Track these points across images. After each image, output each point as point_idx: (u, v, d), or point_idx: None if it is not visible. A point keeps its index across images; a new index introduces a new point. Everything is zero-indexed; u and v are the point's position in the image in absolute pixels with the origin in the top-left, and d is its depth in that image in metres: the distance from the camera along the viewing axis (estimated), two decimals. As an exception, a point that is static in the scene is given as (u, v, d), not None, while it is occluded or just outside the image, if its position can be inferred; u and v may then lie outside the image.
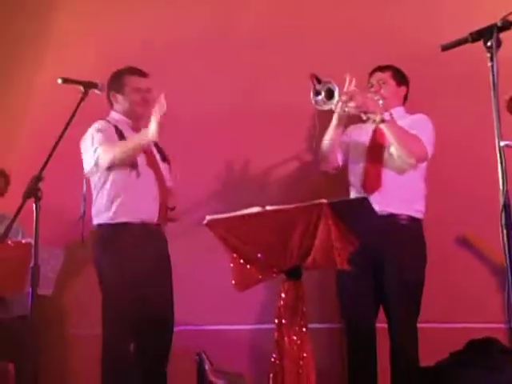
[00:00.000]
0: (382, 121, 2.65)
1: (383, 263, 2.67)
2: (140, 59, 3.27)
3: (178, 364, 2.83)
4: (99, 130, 2.76)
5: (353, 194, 2.83)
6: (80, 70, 3.24)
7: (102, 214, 2.76)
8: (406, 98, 2.93)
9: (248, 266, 2.41)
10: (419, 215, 2.75)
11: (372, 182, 2.74)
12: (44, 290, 3.15)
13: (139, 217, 2.74)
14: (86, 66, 3.39)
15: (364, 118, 2.75)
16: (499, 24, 1.77)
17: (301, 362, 2.27)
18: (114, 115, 2.89)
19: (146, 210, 2.77)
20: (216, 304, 3.04)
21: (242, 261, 2.41)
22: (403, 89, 2.91)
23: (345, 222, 2.26)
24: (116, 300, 2.68)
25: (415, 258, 2.70)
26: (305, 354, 2.29)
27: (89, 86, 2.48)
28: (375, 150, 2.79)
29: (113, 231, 2.73)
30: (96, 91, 2.50)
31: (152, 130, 2.56)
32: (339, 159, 2.88)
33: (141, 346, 2.75)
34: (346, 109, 2.65)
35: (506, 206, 1.69)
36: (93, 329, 2.76)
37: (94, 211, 2.80)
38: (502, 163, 1.69)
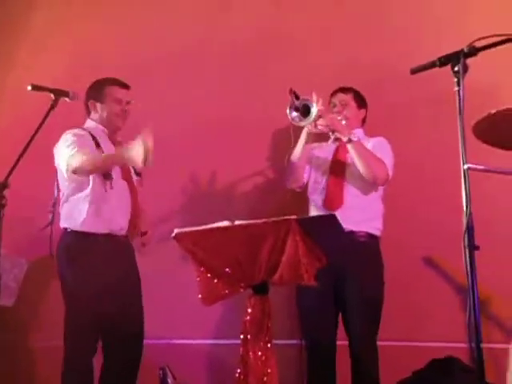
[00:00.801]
0: (350, 141, 2.69)
1: (344, 279, 2.70)
2: (115, 67, 3.27)
3: (141, 378, 2.78)
4: (75, 135, 2.73)
5: (313, 212, 2.84)
6: (54, 75, 3.22)
7: (70, 219, 2.72)
8: (364, 120, 2.99)
9: (215, 281, 2.41)
10: (377, 233, 2.80)
11: (334, 200, 2.78)
12: (5, 300, 3.09)
13: (108, 227, 2.71)
14: (59, 71, 3.36)
15: (332, 137, 2.79)
16: (466, 50, 1.83)
17: (265, 378, 2.26)
18: (90, 123, 2.86)
19: (117, 222, 2.75)
20: (181, 318, 3.01)
21: (209, 275, 2.40)
22: (363, 111, 2.98)
23: (312, 239, 2.28)
24: (79, 311, 2.63)
25: (374, 274, 2.74)
26: (269, 370, 2.29)
27: (59, 94, 2.46)
28: (337, 169, 2.83)
29: (79, 239, 2.69)
30: (67, 99, 2.48)
31: (138, 157, 2.45)
32: (305, 177, 2.91)
33: (108, 360, 2.70)
34: (318, 126, 2.69)
35: (468, 228, 1.73)
36: (57, 341, 2.69)
37: (63, 215, 2.75)
38: (465, 186, 1.73)
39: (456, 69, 1.83)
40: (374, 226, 2.79)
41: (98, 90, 2.85)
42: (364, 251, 2.72)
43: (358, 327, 2.69)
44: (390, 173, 2.77)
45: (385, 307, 2.73)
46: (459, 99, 1.81)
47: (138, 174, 2.90)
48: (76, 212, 2.70)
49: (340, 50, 3.30)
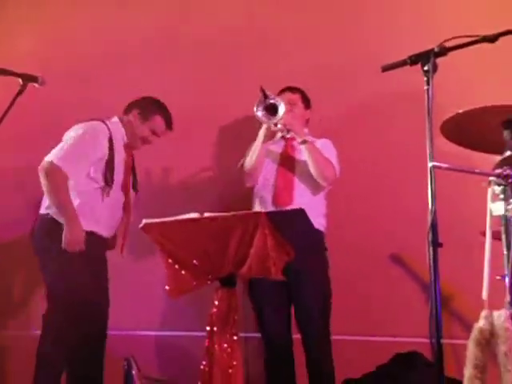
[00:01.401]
0: (305, 142, 2.72)
1: (295, 272, 2.66)
2: (87, 54, 3.22)
3: (106, 369, 2.77)
4: (87, 133, 2.74)
5: (257, 208, 2.83)
6: (23, 60, 3.15)
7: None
8: (308, 121, 3.00)
9: (183, 272, 2.40)
10: (322, 228, 2.83)
11: (283, 198, 2.79)
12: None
13: (92, 229, 2.72)
14: (28, 56, 3.30)
15: (287, 136, 2.83)
16: (436, 49, 1.84)
17: (230, 370, 2.27)
18: (116, 122, 2.88)
19: (103, 229, 2.78)
20: (147, 309, 3.00)
21: (176, 266, 2.39)
22: (308, 112, 2.99)
23: (281, 232, 2.29)
24: (66, 291, 2.62)
25: (321, 268, 2.77)
26: (234, 362, 2.29)
27: (28, 79, 2.40)
28: (286, 166, 2.85)
29: (60, 226, 2.66)
30: (35, 85, 2.43)
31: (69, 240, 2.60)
32: (260, 173, 2.89)
33: (76, 349, 2.68)
34: (278, 126, 2.71)
35: (433, 225, 1.76)
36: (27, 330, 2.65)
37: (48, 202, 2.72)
38: (431, 183, 1.75)
39: (426, 68, 1.85)
40: (320, 222, 2.81)
41: (149, 109, 2.91)
42: (311, 246, 2.71)
43: (309, 320, 2.70)
44: (337, 174, 2.82)
45: (350, 302, 2.76)
46: (428, 98, 1.83)
47: (135, 188, 2.95)
48: None
49: (313, 48, 3.30)
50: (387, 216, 3.09)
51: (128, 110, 2.93)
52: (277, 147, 2.92)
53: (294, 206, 2.71)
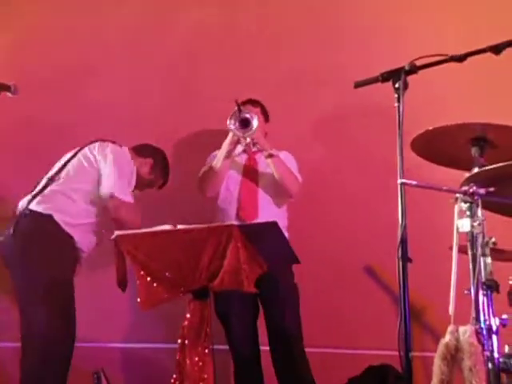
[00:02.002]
0: (271, 155, 2.74)
1: (262, 285, 2.69)
2: (57, 62, 3.20)
3: (75, 382, 2.73)
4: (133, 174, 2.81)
5: (222, 220, 2.80)
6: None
7: (62, 213, 2.65)
8: (266, 135, 3.00)
9: (155, 284, 2.38)
10: None
11: (249, 211, 2.80)
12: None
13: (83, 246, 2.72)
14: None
15: (253, 149, 2.84)
16: (407, 68, 1.88)
17: (201, 384, 2.26)
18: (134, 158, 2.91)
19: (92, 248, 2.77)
20: (118, 321, 2.97)
21: (148, 278, 2.37)
22: (266, 126, 3.01)
23: (254, 245, 2.29)
24: (65, 298, 2.59)
25: (290, 279, 2.77)
26: (205, 376, 2.28)
27: (1, 87, 2.37)
28: (250, 179, 2.87)
29: (61, 231, 2.64)
30: (8, 94, 2.40)
31: None
32: (221, 184, 2.89)
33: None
34: (247, 139, 2.73)
35: (402, 240, 1.78)
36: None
37: (54, 205, 2.66)
38: (401, 199, 1.78)
39: (397, 85, 1.89)
40: None
41: (157, 165, 2.99)
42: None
43: (279, 332, 2.70)
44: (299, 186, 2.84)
45: (323, 315, 2.77)
46: (399, 115, 1.87)
47: None
48: (76, 214, 2.68)
49: (285, 58, 3.34)
50: (359, 229, 3.13)
51: (142, 149, 2.98)
52: (240, 159, 2.93)
53: (260, 219, 2.73)
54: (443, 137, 1.98)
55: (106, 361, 2.87)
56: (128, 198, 2.71)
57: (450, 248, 2.41)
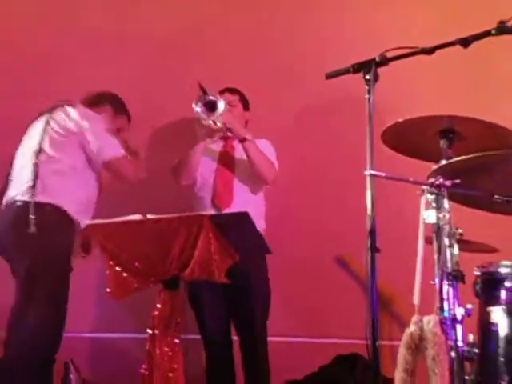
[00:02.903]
0: (244, 139, 2.72)
1: (233, 276, 2.70)
2: (28, 52, 3.13)
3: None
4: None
5: (199, 208, 2.81)
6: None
7: (63, 196, 2.58)
8: (247, 123, 3.00)
9: (125, 275, 2.36)
10: (262, 231, 2.79)
11: (224, 198, 2.79)
12: None
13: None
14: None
15: (229, 134, 2.81)
16: (377, 59, 1.88)
17: (170, 374, 2.25)
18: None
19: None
20: (88, 311, 2.94)
21: (118, 268, 2.36)
22: (247, 114, 3.00)
23: (225, 235, 2.29)
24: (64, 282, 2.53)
25: (262, 270, 2.78)
26: (175, 366, 2.28)
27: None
28: (226, 166, 2.86)
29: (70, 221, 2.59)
30: None
31: None
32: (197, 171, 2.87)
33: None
34: (218, 124, 2.69)
35: (371, 231, 1.80)
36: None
37: (56, 189, 2.59)
38: (370, 190, 1.79)
39: (367, 77, 1.88)
40: (260, 225, 2.80)
41: (119, 108, 2.94)
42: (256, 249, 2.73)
43: (250, 319, 2.71)
44: (277, 173, 2.83)
45: (293, 304, 2.79)
46: (369, 106, 1.87)
47: None
48: (74, 197, 2.61)
49: (254, 50, 3.31)
50: (329, 219, 3.15)
51: (95, 103, 2.88)
52: (216, 146, 2.91)
53: (234, 206, 2.72)
54: (412, 129, 2.00)
55: (75, 351, 2.84)
56: (123, 151, 2.70)
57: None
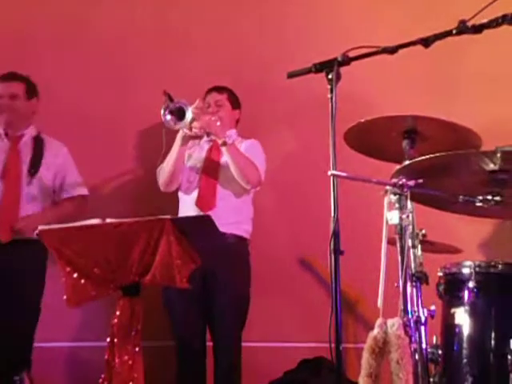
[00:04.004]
0: (224, 143, 2.68)
1: (213, 281, 2.68)
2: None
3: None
4: None
5: (183, 211, 2.79)
6: None
7: None
8: (238, 121, 2.98)
9: (82, 281, 2.28)
10: (247, 235, 2.81)
11: (206, 201, 2.75)
12: None
13: None
14: None
15: (206, 139, 2.78)
16: (340, 59, 1.85)
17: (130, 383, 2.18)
18: None
19: None
20: (44, 319, 2.83)
21: (76, 275, 2.27)
22: (237, 112, 2.97)
23: (187, 239, 2.23)
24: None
25: (242, 277, 2.75)
26: (135, 375, 2.21)
27: None
28: (210, 169, 2.81)
29: None
30: None
31: None
32: (180, 178, 2.83)
33: None
34: (192, 129, 2.64)
35: (335, 233, 1.77)
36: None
37: None
38: (334, 191, 1.76)
39: (330, 76, 1.86)
40: (244, 229, 2.79)
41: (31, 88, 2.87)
42: (233, 253, 2.71)
43: (225, 329, 2.69)
44: (262, 177, 2.79)
45: (257, 309, 2.75)
46: (332, 106, 1.84)
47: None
48: None
49: (220, 50, 3.27)
50: (292, 221, 3.12)
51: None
52: (201, 149, 2.86)
53: (218, 210, 2.68)
54: (375, 129, 1.99)
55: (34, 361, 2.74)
56: None
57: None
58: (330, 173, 1.65)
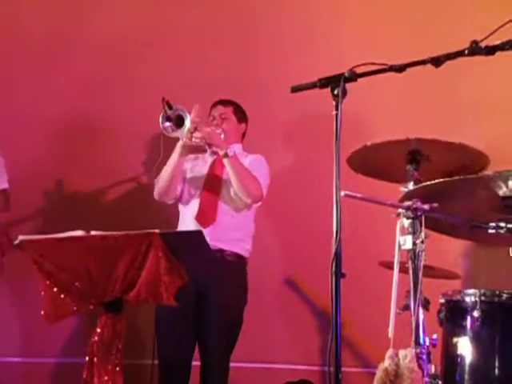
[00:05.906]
0: (226, 155, 2.59)
1: (206, 298, 2.59)
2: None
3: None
4: None
5: (183, 225, 2.71)
6: None
7: None
8: (244, 135, 2.92)
9: (62, 296, 2.16)
10: (246, 254, 2.73)
11: (207, 216, 2.66)
12: None
13: None
14: None
15: (208, 150, 2.71)
16: (346, 74, 1.79)
17: (110, 406, 2.06)
18: None
19: None
20: (18, 334, 2.70)
21: (55, 289, 2.15)
22: (243, 126, 2.90)
23: (176, 255, 2.13)
24: None
25: (237, 296, 2.66)
26: (115, 395, 2.09)
27: None
28: (212, 183, 2.73)
29: None
30: None
31: None
32: (178, 189, 2.75)
33: None
34: (193, 139, 2.56)
35: (337, 255, 1.69)
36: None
37: None
38: (337, 212, 1.68)
39: (335, 92, 1.79)
40: (244, 247, 2.71)
41: None
42: (230, 271, 2.63)
43: (215, 348, 2.58)
44: (264, 192, 2.71)
45: (242, 328, 2.65)
46: (337, 123, 1.77)
47: None
48: None
49: (222, 62, 3.23)
50: (286, 242, 3.06)
51: None
52: (205, 163, 2.78)
53: (217, 225, 2.61)
54: (379, 152, 1.94)
55: (4, 377, 2.59)
56: None
57: (380, 263, 2.38)
58: (343, 193, 1.57)
